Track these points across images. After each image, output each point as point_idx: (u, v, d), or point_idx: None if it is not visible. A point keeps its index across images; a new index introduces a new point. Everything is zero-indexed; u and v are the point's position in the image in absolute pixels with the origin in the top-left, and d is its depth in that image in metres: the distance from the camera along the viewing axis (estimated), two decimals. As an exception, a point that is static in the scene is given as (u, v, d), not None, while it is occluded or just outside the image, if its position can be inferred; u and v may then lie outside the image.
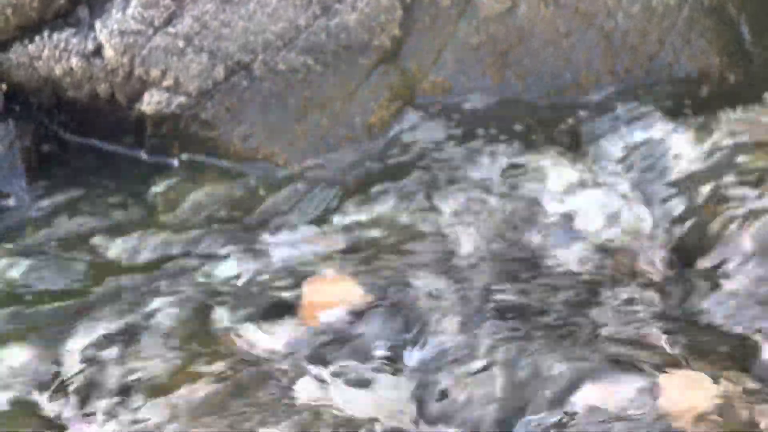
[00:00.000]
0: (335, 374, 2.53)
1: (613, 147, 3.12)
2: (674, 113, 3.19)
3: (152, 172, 3.16)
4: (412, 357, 2.60)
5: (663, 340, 2.57)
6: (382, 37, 3.18)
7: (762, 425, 2.35)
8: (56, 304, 2.79)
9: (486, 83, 3.25)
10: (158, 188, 3.12)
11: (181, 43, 3.11)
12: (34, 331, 2.71)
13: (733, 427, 2.35)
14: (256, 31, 3.13)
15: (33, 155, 3.19)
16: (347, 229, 2.94)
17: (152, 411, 2.47)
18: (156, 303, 2.75)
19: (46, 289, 2.84)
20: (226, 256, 2.88)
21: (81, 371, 2.57)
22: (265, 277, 2.81)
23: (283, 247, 2.90)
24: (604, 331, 2.61)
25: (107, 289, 2.82)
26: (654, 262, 2.83)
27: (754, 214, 2.86)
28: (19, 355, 2.63)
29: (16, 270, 2.89)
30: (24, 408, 2.52)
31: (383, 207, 2.98)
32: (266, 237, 2.93)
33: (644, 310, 2.70)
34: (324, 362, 2.56)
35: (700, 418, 2.36)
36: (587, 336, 2.59)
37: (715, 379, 2.44)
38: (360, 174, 3.09)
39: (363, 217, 2.96)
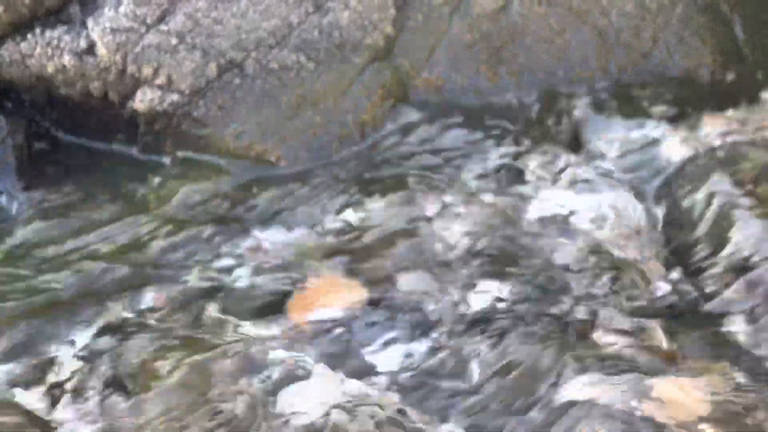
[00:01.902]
0: (327, 373, 2.53)
1: (607, 145, 3.12)
2: (668, 111, 3.19)
3: (145, 170, 3.16)
4: (406, 356, 2.60)
5: (659, 338, 2.58)
6: (375, 35, 3.18)
7: (757, 423, 2.35)
8: (48, 301, 2.78)
9: (479, 81, 3.25)
10: (151, 186, 3.12)
11: (173, 41, 3.11)
12: (26, 327, 2.70)
13: (728, 426, 2.35)
14: (249, 28, 3.13)
15: (25, 152, 3.18)
16: (340, 227, 2.93)
17: (145, 407, 2.47)
18: (148, 300, 2.76)
19: (38, 285, 2.83)
20: (218, 254, 2.88)
21: (74, 368, 2.58)
22: (258, 275, 2.81)
23: (275, 245, 2.90)
24: (598, 329, 2.61)
25: (100, 286, 2.82)
26: (649, 260, 2.83)
27: (748, 212, 2.85)
28: (12, 350, 2.63)
29: (9, 267, 2.89)
30: (17, 406, 2.51)
31: (376, 205, 2.98)
32: (259, 235, 2.93)
33: (640, 308, 2.71)
34: (315, 361, 2.56)
35: (696, 415, 2.36)
36: (582, 333, 2.59)
37: (711, 377, 2.44)
38: (352, 172, 3.08)
39: (356, 215, 2.96)
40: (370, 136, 3.16)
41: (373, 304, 2.70)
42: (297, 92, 3.14)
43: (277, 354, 2.56)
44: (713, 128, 3.08)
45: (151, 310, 2.73)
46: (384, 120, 3.18)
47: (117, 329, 2.68)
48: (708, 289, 2.76)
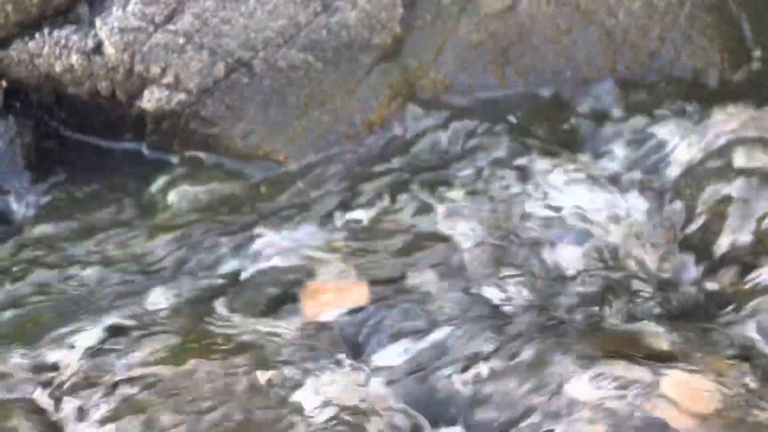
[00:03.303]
0: (334, 373, 2.53)
1: (614, 145, 3.13)
2: (675, 111, 3.19)
3: (152, 169, 3.16)
4: (412, 355, 2.60)
5: (663, 338, 2.58)
6: (382, 34, 3.18)
7: (763, 424, 2.36)
8: (56, 300, 2.79)
9: (487, 80, 3.25)
10: (158, 185, 3.12)
11: (181, 41, 3.11)
12: (33, 327, 2.71)
13: (733, 425, 2.35)
14: (257, 28, 3.13)
15: (33, 152, 3.19)
16: (348, 226, 2.94)
17: (150, 408, 2.47)
18: (156, 300, 2.76)
19: (45, 285, 2.83)
20: (226, 254, 2.88)
21: (80, 368, 2.58)
22: (266, 274, 2.81)
23: (284, 244, 2.90)
24: (603, 328, 2.62)
25: (107, 285, 2.82)
26: (654, 260, 2.83)
27: (755, 213, 2.86)
28: (18, 352, 2.63)
29: (16, 266, 2.89)
30: (23, 405, 2.51)
31: (384, 205, 2.98)
32: (267, 234, 2.93)
33: (644, 307, 2.71)
34: (323, 361, 2.56)
35: (699, 415, 2.37)
36: (586, 332, 2.60)
37: (715, 377, 2.44)
38: (360, 171, 3.09)
39: (363, 214, 2.96)
40: (377, 136, 3.17)
41: (380, 302, 2.70)
42: (305, 92, 3.15)
43: (286, 353, 2.57)
44: (721, 128, 3.08)
45: (160, 309, 2.74)
46: (391, 119, 3.18)
47: (125, 329, 2.68)
48: (714, 289, 2.76)
